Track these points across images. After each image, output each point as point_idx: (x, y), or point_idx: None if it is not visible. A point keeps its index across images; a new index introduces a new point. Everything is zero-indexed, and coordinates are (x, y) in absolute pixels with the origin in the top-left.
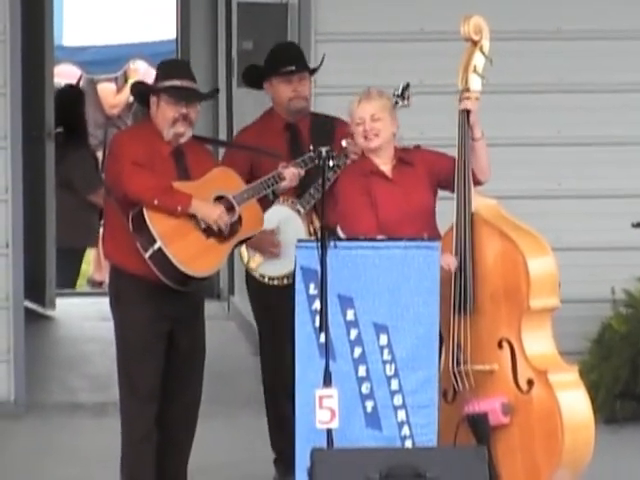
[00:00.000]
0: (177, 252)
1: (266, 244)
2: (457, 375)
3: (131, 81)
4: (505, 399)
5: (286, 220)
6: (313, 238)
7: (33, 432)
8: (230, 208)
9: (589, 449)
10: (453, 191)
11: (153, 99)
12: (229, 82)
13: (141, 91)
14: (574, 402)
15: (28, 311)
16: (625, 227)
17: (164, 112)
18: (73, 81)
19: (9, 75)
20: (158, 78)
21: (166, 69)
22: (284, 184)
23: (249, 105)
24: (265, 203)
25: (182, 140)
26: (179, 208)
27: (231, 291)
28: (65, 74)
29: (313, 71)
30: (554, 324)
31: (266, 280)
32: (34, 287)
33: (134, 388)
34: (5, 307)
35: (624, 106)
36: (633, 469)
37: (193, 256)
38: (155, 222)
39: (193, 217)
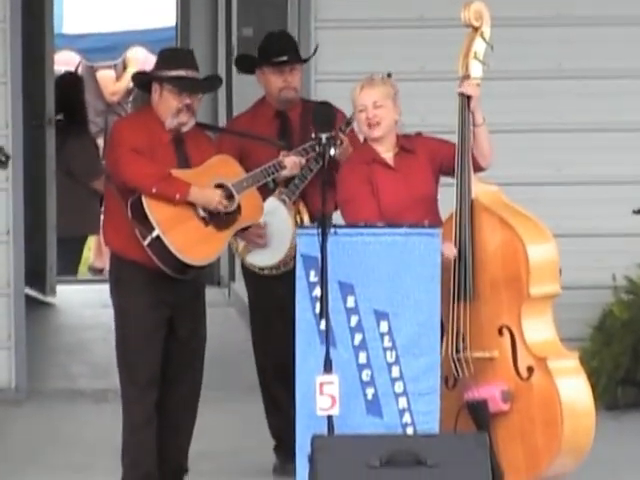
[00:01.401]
0: (175, 240)
1: (252, 235)
2: (457, 362)
3: (130, 69)
4: (505, 386)
5: (272, 210)
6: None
7: (34, 419)
8: (229, 196)
9: (589, 436)
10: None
11: (155, 87)
12: (229, 69)
13: (143, 80)
14: (574, 389)
15: (29, 298)
16: (626, 213)
17: (167, 102)
18: (72, 68)
19: (9, 63)
20: (161, 66)
21: (170, 58)
22: (284, 173)
23: (250, 92)
24: (265, 192)
25: (185, 129)
26: (177, 196)
27: (232, 277)
28: (65, 62)
29: (305, 61)
30: (555, 310)
31: (256, 270)
32: (35, 274)
33: (134, 375)
34: (6, 294)
35: (625, 92)
36: (634, 455)
37: (191, 244)
38: (153, 209)
39: (192, 205)
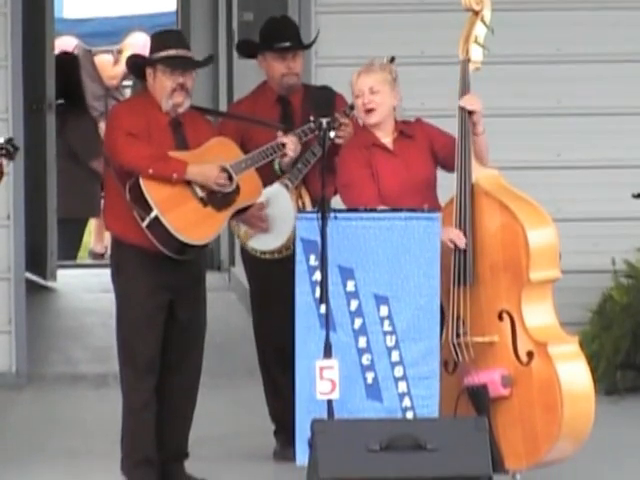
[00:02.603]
0: (174, 220)
1: (255, 218)
2: (457, 347)
3: (126, 53)
4: (505, 371)
5: (275, 195)
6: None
7: (34, 403)
8: (228, 178)
9: (589, 420)
10: (448, 170)
11: (149, 71)
12: (229, 54)
13: (137, 64)
14: (574, 374)
15: (29, 283)
16: (625, 198)
17: (161, 83)
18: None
19: (10, 47)
20: (153, 49)
21: (160, 40)
22: (289, 154)
23: (251, 76)
24: (271, 178)
25: (181, 110)
26: (174, 175)
27: (232, 262)
28: (65, 46)
29: (307, 47)
30: (555, 295)
31: (258, 254)
32: (35, 259)
33: (133, 359)
34: (6, 279)
35: (624, 76)
36: (634, 439)
37: (190, 224)
38: (151, 191)
39: (190, 186)
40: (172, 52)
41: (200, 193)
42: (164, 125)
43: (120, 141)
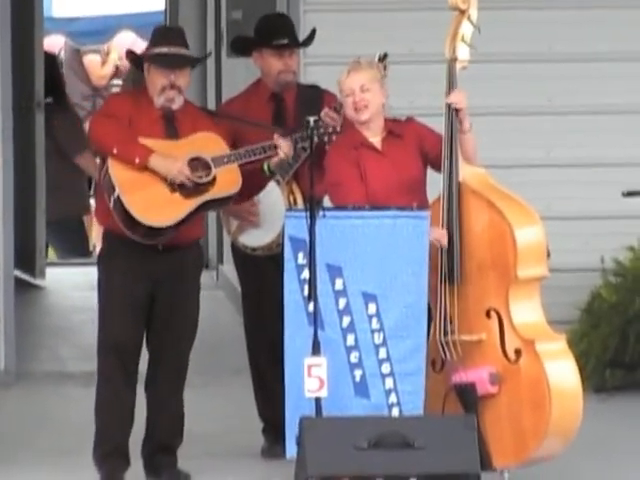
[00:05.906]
0: (133, 201)
1: (245, 212)
2: (445, 345)
3: (113, 54)
4: (493, 369)
5: (266, 190)
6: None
7: (22, 401)
8: (207, 170)
9: (577, 418)
10: (438, 170)
11: (146, 66)
12: (218, 52)
13: (135, 61)
14: (562, 371)
15: (18, 280)
16: (615, 196)
17: (153, 79)
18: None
19: None
20: (149, 45)
21: (157, 36)
22: (281, 156)
23: (240, 75)
24: (259, 179)
25: (174, 106)
26: (137, 160)
27: (220, 260)
28: (55, 45)
29: (304, 44)
30: (544, 293)
31: (248, 251)
32: (24, 257)
33: (104, 348)
34: None
35: (615, 75)
36: (622, 437)
37: (151, 207)
38: (116, 170)
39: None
40: (164, 49)
41: (170, 178)
42: (156, 117)
43: (94, 119)
